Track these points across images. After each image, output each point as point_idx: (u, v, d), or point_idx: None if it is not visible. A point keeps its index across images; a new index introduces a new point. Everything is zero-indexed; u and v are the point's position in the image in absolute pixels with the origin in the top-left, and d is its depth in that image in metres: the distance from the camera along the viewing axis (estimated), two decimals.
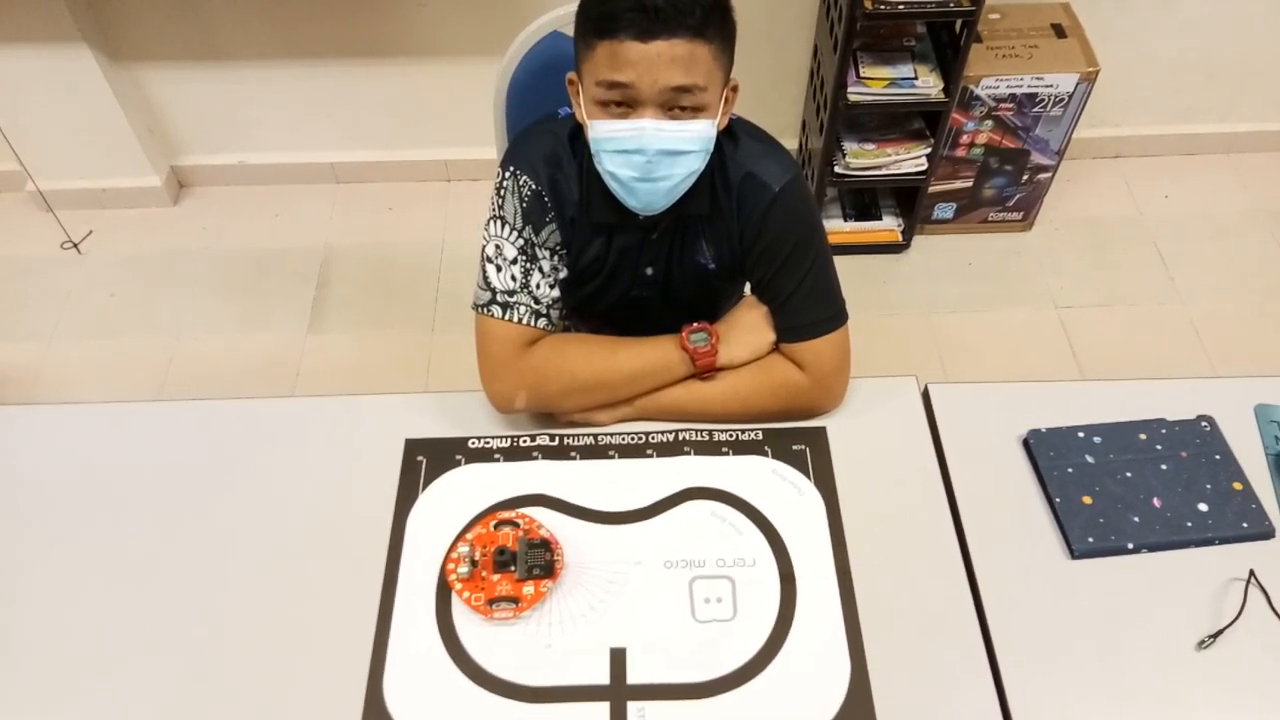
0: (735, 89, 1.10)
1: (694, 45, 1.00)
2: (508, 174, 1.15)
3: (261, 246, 2.55)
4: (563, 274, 1.20)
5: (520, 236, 1.15)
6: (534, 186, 1.14)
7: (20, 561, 1.09)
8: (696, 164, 1.07)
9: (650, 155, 1.04)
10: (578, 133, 1.15)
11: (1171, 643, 1.00)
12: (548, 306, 1.16)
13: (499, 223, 1.15)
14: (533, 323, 1.15)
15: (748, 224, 1.16)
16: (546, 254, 1.16)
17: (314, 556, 1.09)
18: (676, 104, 1.03)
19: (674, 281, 1.24)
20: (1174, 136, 2.68)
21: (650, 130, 1.03)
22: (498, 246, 1.15)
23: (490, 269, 1.15)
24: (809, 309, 1.16)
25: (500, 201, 1.15)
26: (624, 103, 1.03)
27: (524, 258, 1.15)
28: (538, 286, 1.15)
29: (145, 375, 2.27)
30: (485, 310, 1.15)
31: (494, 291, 1.14)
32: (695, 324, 1.16)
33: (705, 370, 1.16)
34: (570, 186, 1.16)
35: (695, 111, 1.04)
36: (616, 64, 1.00)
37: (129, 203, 2.60)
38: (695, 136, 1.05)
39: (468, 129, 2.53)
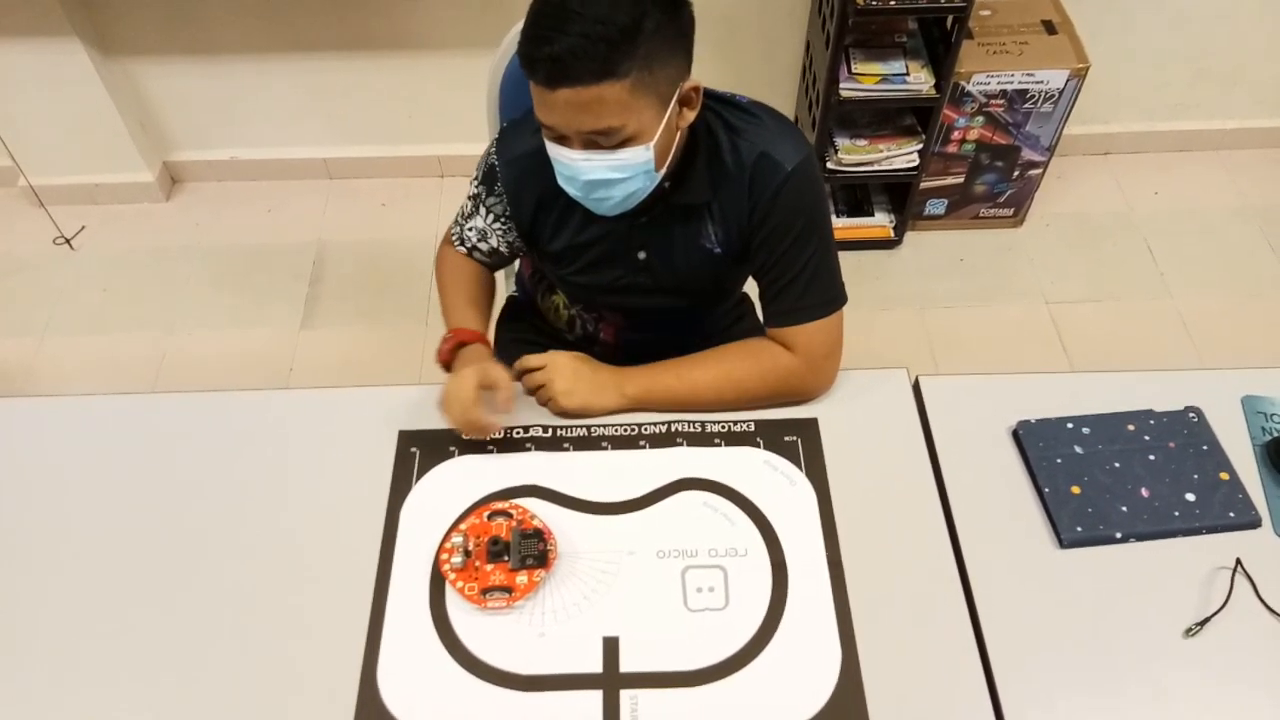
0: (697, 89, 1.07)
1: (600, 89, 0.96)
2: (495, 137, 1.23)
3: (254, 242, 2.55)
4: (495, 242, 1.29)
5: (476, 186, 1.27)
6: (493, 161, 1.22)
7: (14, 551, 1.09)
8: (635, 185, 1.07)
9: (580, 184, 1.07)
10: None
11: (1159, 630, 1.01)
12: (470, 247, 1.31)
13: (477, 167, 1.27)
14: (456, 245, 1.33)
15: (759, 203, 1.15)
16: (485, 213, 1.27)
17: (308, 547, 1.09)
18: (595, 143, 1.03)
19: (676, 267, 1.24)
20: (1163, 133, 2.69)
21: (579, 161, 1.04)
22: (472, 177, 1.27)
23: None
24: (809, 292, 1.18)
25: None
26: (555, 135, 1.05)
27: (472, 203, 1.29)
28: (472, 229, 1.30)
29: (138, 371, 2.27)
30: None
31: (461, 209, 1.31)
32: (452, 333, 1.22)
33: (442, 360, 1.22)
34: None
35: (623, 143, 1.03)
36: (540, 104, 1.01)
37: (121, 198, 2.60)
38: (624, 164, 1.04)
39: (461, 124, 2.54)
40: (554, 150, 1.06)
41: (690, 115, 1.08)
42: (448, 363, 1.20)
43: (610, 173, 1.05)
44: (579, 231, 1.22)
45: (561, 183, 1.10)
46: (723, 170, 1.15)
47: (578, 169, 1.05)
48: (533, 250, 1.30)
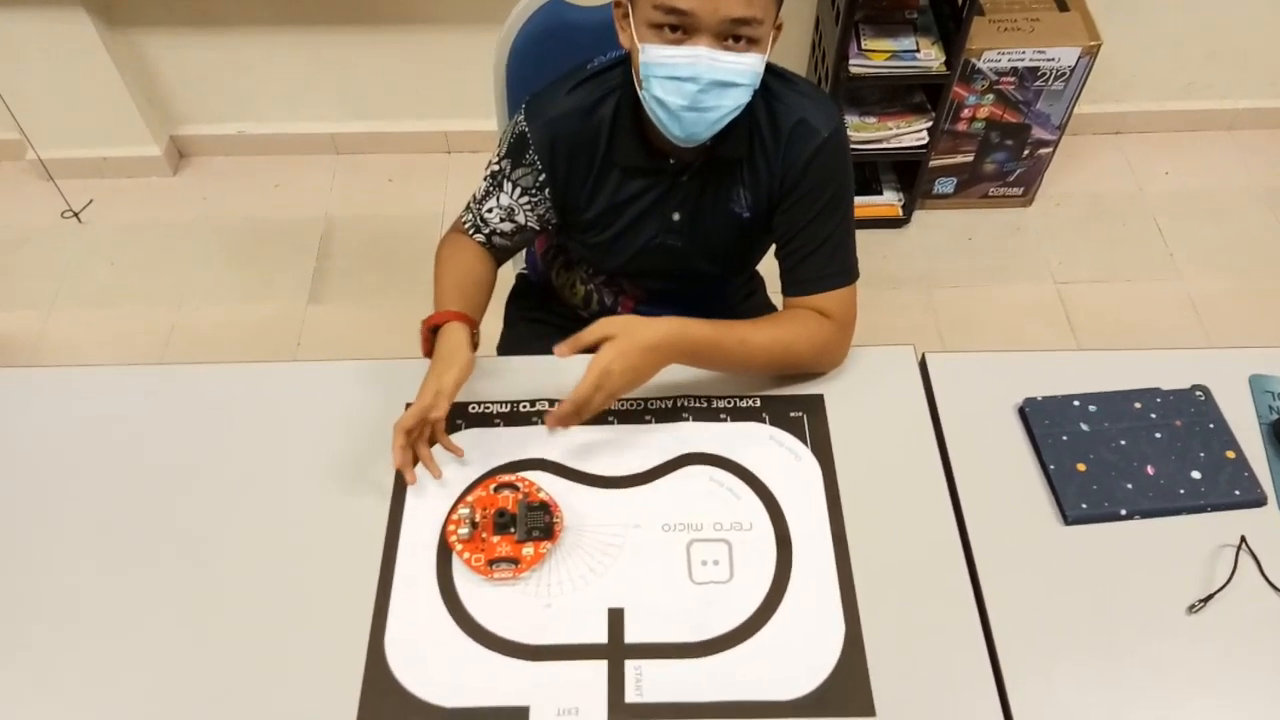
0: (780, 27, 1.09)
1: None
2: (521, 108, 1.19)
3: (261, 217, 2.55)
4: (522, 219, 1.24)
5: (498, 163, 1.22)
6: (523, 128, 1.18)
7: (20, 520, 1.10)
8: (744, 97, 1.07)
9: (703, 85, 1.04)
10: (612, 69, 1.17)
11: (1162, 607, 1.02)
12: (490, 232, 1.25)
13: (500, 140, 1.23)
14: (470, 232, 1.26)
15: (791, 168, 1.17)
16: (512, 189, 1.22)
17: (316, 517, 1.10)
18: (732, 34, 1.02)
19: (706, 228, 1.24)
20: (1175, 113, 2.67)
21: (705, 59, 1.02)
22: (488, 161, 1.24)
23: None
24: (836, 258, 1.19)
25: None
26: (679, 27, 1.02)
27: (491, 182, 1.24)
28: (489, 210, 1.24)
29: (146, 345, 2.28)
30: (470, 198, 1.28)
31: (474, 193, 1.26)
32: (435, 315, 1.17)
33: (425, 354, 1.17)
34: (597, 129, 1.17)
35: (749, 44, 1.03)
36: None
37: (129, 172, 2.60)
38: (748, 69, 1.04)
39: (468, 100, 2.53)
40: (673, 53, 1.03)
41: (773, 48, 1.09)
42: (430, 353, 1.16)
43: (735, 75, 1.04)
44: (617, 190, 1.21)
45: (666, 92, 1.05)
46: (758, 132, 1.16)
47: (702, 68, 1.03)
48: (564, 218, 1.27)
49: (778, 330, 1.19)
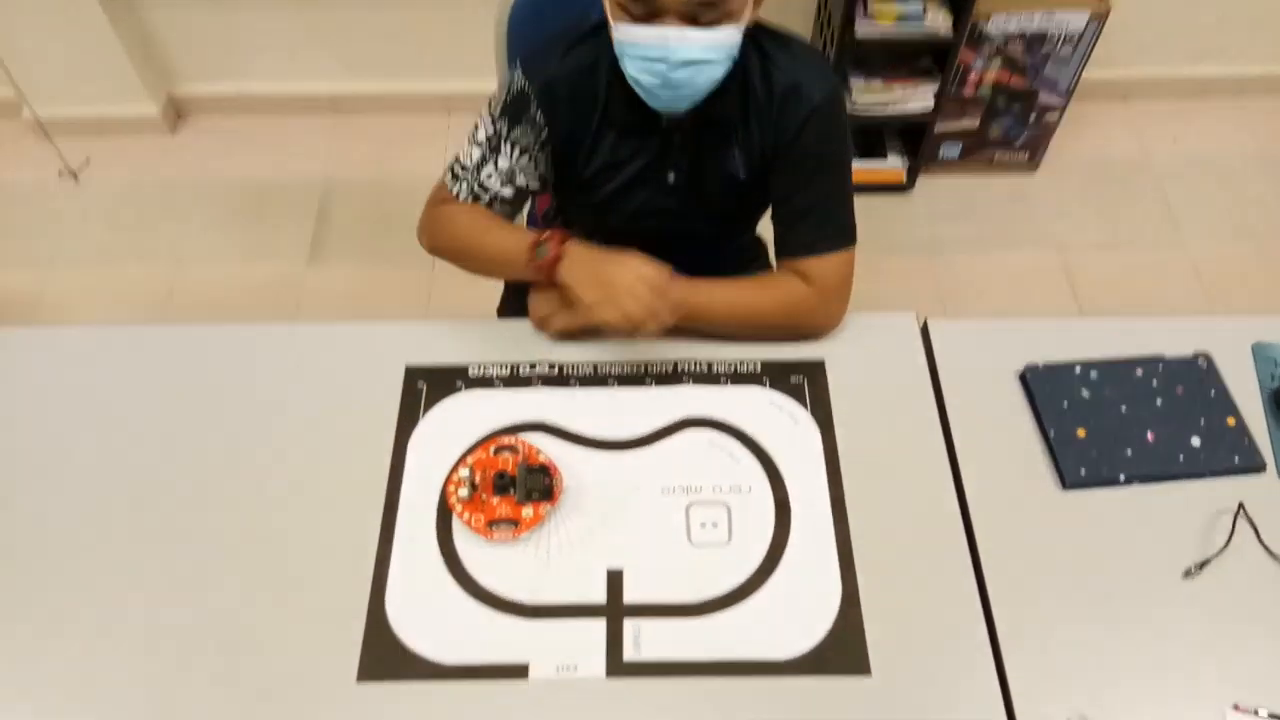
0: None
1: None
2: (516, 65, 1.18)
3: (260, 177, 2.53)
4: (523, 181, 1.21)
5: (494, 125, 1.19)
6: (522, 84, 1.16)
7: (22, 480, 1.11)
8: (719, 72, 1.06)
9: (673, 64, 1.03)
10: (606, 28, 1.15)
11: (1158, 571, 1.02)
12: (491, 198, 1.21)
13: (491, 104, 1.20)
14: (468, 200, 1.21)
15: (785, 132, 1.16)
16: (510, 149, 1.19)
17: (316, 478, 1.10)
18: (700, 13, 1.01)
19: (702, 189, 1.24)
20: (1183, 79, 2.64)
21: (673, 39, 1.02)
22: (477, 124, 1.20)
23: (467, 140, 1.20)
24: (825, 225, 1.18)
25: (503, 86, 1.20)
26: (647, 8, 1.02)
27: (487, 146, 1.19)
28: (488, 176, 1.20)
29: (145, 304, 2.27)
30: (446, 171, 1.22)
31: (457, 160, 1.21)
32: (549, 233, 1.14)
33: (541, 278, 1.15)
34: (593, 87, 1.16)
35: (720, 20, 1.02)
36: None
37: (127, 131, 2.57)
38: (719, 45, 1.03)
39: (468, 61, 2.50)
40: (641, 34, 1.03)
41: (757, 10, 1.07)
42: (556, 260, 1.13)
43: (705, 53, 1.03)
44: (613, 149, 1.20)
45: (638, 71, 1.05)
46: (752, 94, 1.15)
47: (671, 49, 1.02)
48: (562, 174, 1.26)
49: (747, 291, 1.19)
